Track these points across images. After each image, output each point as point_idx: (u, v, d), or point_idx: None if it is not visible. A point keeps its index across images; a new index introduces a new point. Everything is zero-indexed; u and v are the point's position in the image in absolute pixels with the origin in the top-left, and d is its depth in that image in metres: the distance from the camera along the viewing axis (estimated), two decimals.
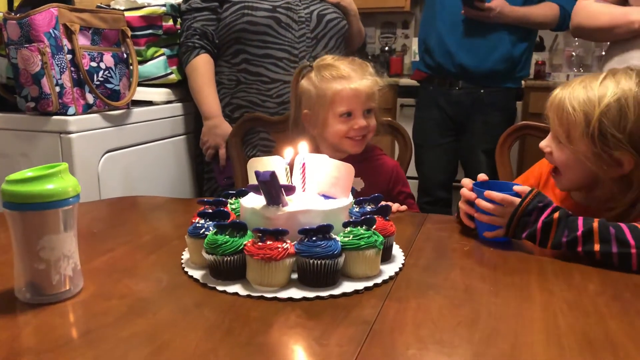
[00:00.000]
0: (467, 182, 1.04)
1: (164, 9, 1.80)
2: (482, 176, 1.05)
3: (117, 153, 1.61)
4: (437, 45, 2.18)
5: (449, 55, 2.14)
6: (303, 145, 0.89)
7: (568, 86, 1.03)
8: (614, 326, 0.68)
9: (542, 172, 1.20)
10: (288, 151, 0.90)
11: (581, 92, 0.99)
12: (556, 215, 0.92)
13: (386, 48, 3.95)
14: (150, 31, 1.78)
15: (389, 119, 1.55)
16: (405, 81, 3.32)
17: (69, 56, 1.47)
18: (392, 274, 0.84)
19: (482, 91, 2.16)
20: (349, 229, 0.82)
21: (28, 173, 0.71)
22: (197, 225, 0.86)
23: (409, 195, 1.39)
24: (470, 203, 1.01)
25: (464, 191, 1.03)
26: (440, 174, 2.33)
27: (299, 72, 1.37)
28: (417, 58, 3.57)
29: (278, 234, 0.77)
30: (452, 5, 2.10)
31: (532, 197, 0.95)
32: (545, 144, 1.07)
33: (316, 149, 1.33)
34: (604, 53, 3.25)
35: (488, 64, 2.10)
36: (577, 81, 1.03)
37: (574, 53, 3.45)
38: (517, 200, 0.95)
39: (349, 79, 1.27)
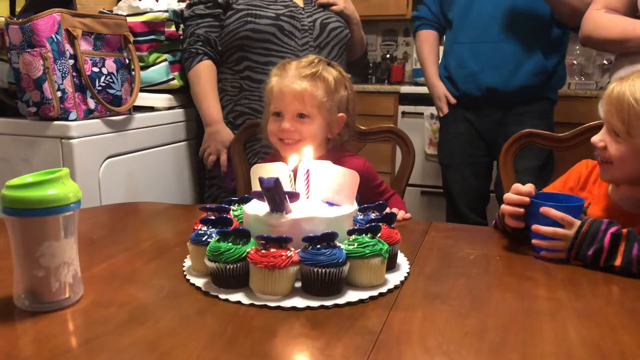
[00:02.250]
0: (518, 189, 1.01)
1: (166, 14, 1.80)
2: (529, 186, 1.01)
3: (118, 159, 1.60)
4: (458, 69, 2.03)
5: (472, 77, 1.98)
6: (308, 151, 0.88)
7: (626, 80, 1.00)
8: (626, 337, 0.67)
9: (580, 175, 1.17)
10: (292, 158, 0.89)
11: None
12: (625, 230, 0.91)
13: (387, 55, 3.95)
14: (152, 37, 1.78)
15: (391, 125, 1.54)
16: (406, 89, 3.31)
17: (71, 61, 1.46)
18: (398, 282, 0.82)
19: (515, 104, 1.98)
20: (353, 236, 0.81)
21: (28, 178, 0.70)
22: (200, 232, 0.84)
23: (385, 190, 1.33)
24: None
25: (514, 197, 1.00)
26: (470, 197, 2.10)
27: None
28: (418, 65, 3.58)
29: (282, 242, 0.76)
30: (473, 22, 1.97)
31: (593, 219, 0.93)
32: (598, 138, 1.03)
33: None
34: (605, 62, 3.25)
35: (518, 80, 1.93)
36: (636, 74, 1.01)
37: (575, 61, 3.45)
38: (578, 222, 0.93)
39: (284, 77, 1.22)
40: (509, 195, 1.02)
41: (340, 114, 1.27)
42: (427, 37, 2.24)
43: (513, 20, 1.93)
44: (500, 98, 1.98)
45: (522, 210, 1.00)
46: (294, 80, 1.21)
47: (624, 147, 0.99)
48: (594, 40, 1.58)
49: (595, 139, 1.04)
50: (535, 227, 0.96)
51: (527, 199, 0.99)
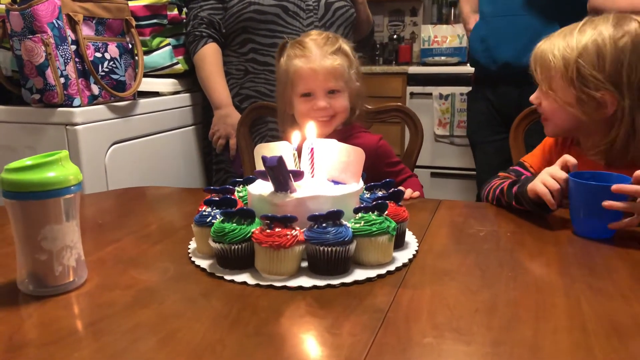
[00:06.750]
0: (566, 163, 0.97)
1: None
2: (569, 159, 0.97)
3: (124, 144, 1.59)
4: (478, 42, 2.00)
5: (489, 52, 1.94)
6: (311, 128, 0.86)
7: (549, 39, 1.08)
8: None
9: (551, 148, 1.20)
10: (295, 135, 0.87)
11: (561, 41, 1.05)
12: None
13: (394, 36, 3.90)
14: (155, 21, 1.76)
15: (399, 104, 1.51)
16: (414, 69, 3.27)
17: (73, 47, 1.45)
18: (406, 260, 0.81)
19: (531, 82, 1.93)
20: (360, 215, 0.79)
21: (27, 161, 0.69)
22: (204, 213, 0.83)
23: (402, 170, 1.32)
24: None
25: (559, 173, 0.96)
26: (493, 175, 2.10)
27: (279, 50, 1.34)
28: (426, 45, 3.53)
29: (287, 221, 0.75)
30: None
31: None
32: (535, 96, 1.12)
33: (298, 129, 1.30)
34: None
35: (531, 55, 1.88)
36: (557, 33, 1.08)
37: None
38: None
39: (309, 57, 1.24)
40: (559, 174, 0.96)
41: (357, 84, 1.31)
42: None
43: None
44: (515, 73, 1.88)
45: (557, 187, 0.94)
46: (323, 58, 1.23)
47: (551, 102, 1.06)
48: (601, 11, 1.52)
49: (532, 97, 1.13)
50: (608, 203, 0.87)
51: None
